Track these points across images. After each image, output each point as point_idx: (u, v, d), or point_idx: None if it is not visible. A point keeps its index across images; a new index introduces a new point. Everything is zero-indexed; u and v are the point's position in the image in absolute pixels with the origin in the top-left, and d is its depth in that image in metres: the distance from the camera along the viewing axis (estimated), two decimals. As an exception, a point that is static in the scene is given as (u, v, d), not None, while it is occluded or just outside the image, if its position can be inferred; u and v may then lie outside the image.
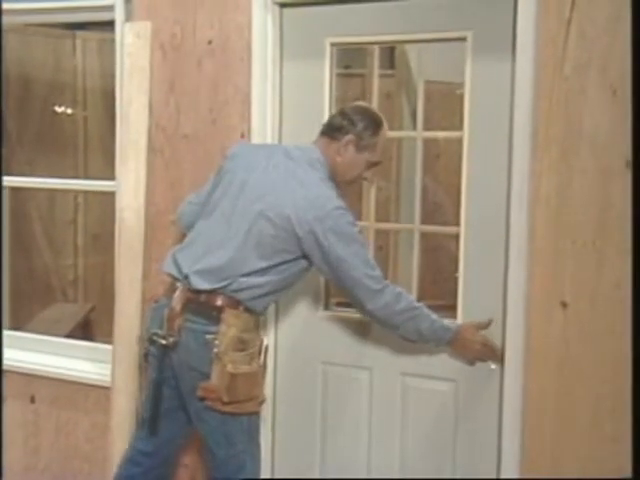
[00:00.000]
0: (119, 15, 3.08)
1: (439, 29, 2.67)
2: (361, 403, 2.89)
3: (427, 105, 2.83)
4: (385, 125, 2.66)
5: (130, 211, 2.99)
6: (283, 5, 2.86)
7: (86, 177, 4.66)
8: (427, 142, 2.85)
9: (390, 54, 3.75)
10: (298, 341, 2.97)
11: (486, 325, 2.66)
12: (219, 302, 2.50)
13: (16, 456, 3.37)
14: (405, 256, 3.33)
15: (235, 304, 2.50)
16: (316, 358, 2.95)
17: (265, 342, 2.61)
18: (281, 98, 2.91)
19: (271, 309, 2.93)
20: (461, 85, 2.69)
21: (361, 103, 2.75)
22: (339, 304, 3.01)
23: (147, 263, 3.01)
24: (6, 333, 3.40)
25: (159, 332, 2.57)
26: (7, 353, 3.30)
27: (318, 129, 2.81)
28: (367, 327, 2.86)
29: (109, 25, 3.14)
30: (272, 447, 3.02)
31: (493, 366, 2.65)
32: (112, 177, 3.14)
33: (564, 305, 2.45)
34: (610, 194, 2.38)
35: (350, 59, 3.72)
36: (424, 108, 2.81)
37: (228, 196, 2.58)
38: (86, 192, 4.79)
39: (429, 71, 3.13)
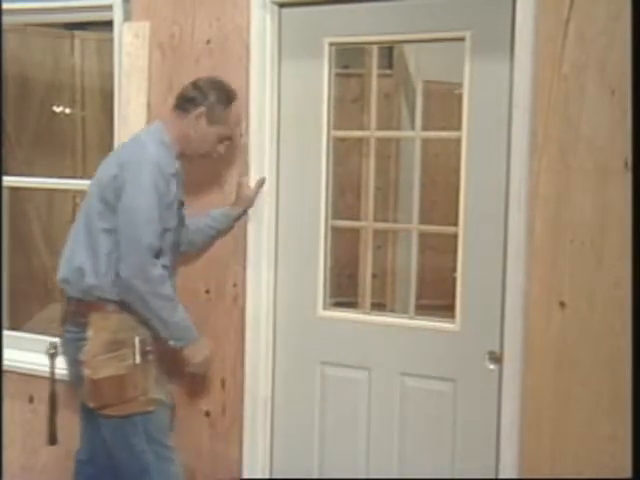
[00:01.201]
0: (118, 15, 3.07)
1: (437, 29, 2.67)
2: (360, 403, 2.89)
3: (426, 105, 2.83)
4: (237, 99, 2.69)
5: (129, 211, 2.99)
6: (282, 5, 2.86)
7: (85, 177, 4.65)
8: (425, 142, 2.84)
9: (389, 54, 3.75)
10: (297, 341, 2.97)
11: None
12: (84, 307, 2.52)
13: (14, 456, 3.36)
14: (403, 256, 3.33)
15: (100, 306, 2.51)
16: (315, 358, 2.95)
17: (137, 339, 2.54)
18: (279, 98, 2.91)
19: (269, 308, 2.93)
20: (460, 85, 2.69)
21: (215, 77, 2.75)
22: (338, 304, 3.01)
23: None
24: (5, 333, 3.39)
25: (52, 344, 2.63)
26: (6, 353, 3.29)
27: (316, 129, 2.83)
28: (366, 327, 2.86)
29: (108, 25, 3.14)
30: (270, 447, 3.02)
31: (491, 366, 2.66)
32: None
33: (562, 305, 2.45)
34: (608, 194, 2.38)
35: (348, 59, 3.72)
36: (423, 108, 2.81)
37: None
38: (85, 192, 4.79)
39: (428, 71, 3.14)
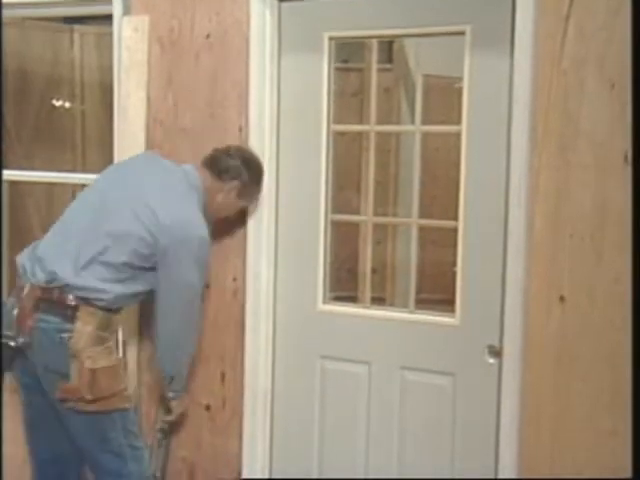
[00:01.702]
0: (117, 9, 3.06)
1: (438, 23, 2.67)
2: (360, 397, 2.89)
3: (425, 99, 2.83)
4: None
5: (128, 205, 2.99)
6: (281, -1, 2.86)
7: (84, 172, 4.65)
8: (425, 136, 2.84)
9: (388, 48, 3.75)
10: (297, 335, 2.97)
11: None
12: (73, 300, 2.47)
13: (13, 454, 3.35)
14: (403, 250, 3.33)
15: (89, 302, 2.49)
16: (315, 352, 2.95)
17: (120, 334, 2.62)
18: (279, 92, 2.90)
19: (269, 302, 2.94)
20: (460, 79, 2.68)
21: (245, 147, 2.81)
22: (338, 299, 3.01)
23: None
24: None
25: (8, 333, 2.51)
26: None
27: (316, 123, 2.82)
28: (366, 321, 2.86)
29: (107, 19, 3.13)
30: (270, 441, 3.02)
31: (491, 360, 2.66)
32: (110, 171, 3.13)
33: (562, 299, 2.45)
34: (608, 188, 2.38)
35: (348, 53, 3.72)
36: (422, 102, 2.81)
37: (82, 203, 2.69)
38: (84, 186, 4.79)
39: (427, 65, 3.13)
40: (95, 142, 4.68)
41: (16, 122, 4.52)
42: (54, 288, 2.48)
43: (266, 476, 3.02)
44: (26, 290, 2.51)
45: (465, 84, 2.66)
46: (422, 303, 2.85)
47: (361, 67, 3.84)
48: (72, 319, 2.47)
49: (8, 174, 3.52)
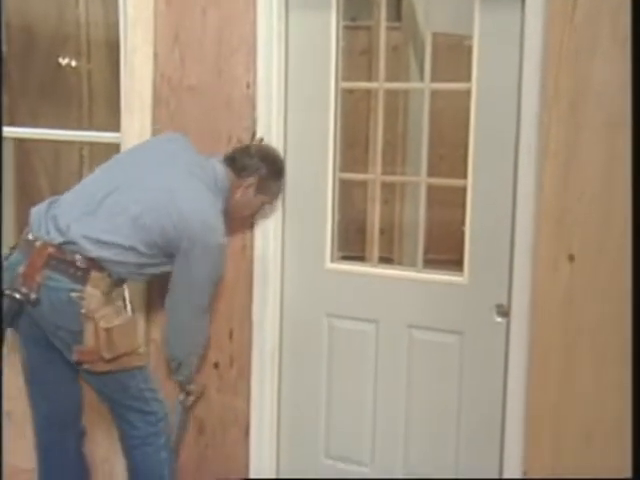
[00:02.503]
0: (122, -36, 3.03)
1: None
2: (367, 356, 2.91)
3: (434, 57, 2.80)
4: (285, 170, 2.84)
5: (136, 163, 2.97)
6: (289, -47, 2.81)
7: (91, 129, 4.63)
8: (434, 95, 2.81)
9: (397, 5, 3.70)
10: (304, 293, 2.98)
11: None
12: (85, 264, 2.49)
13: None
14: (411, 210, 3.32)
15: (100, 268, 2.50)
16: (322, 310, 2.96)
17: (126, 293, 2.67)
18: (287, 49, 2.87)
19: (277, 261, 2.94)
20: (469, 36, 2.65)
21: (265, 145, 2.81)
22: (346, 258, 3.01)
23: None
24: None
25: (15, 287, 2.49)
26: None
27: (324, 81, 2.79)
28: (374, 280, 2.86)
29: (112, -26, 3.10)
30: (278, 398, 3.05)
31: (499, 319, 2.67)
32: (117, 130, 3.12)
33: (571, 258, 2.44)
34: (618, 146, 2.36)
35: (356, 11, 3.68)
36: (431, 61, 2.78)
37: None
38: (91, 144, 4.77)
39: (437, 23, 3.09)
40: (101, 100, 4.65)
41: (22, 81, 4.50)
42: (68, 249, 2.49)
43: (274, 433, 3.05)
44: (38, 246, 2.50)
45: (475, 42, 2.62)
46: (429, 263, 2.85)
47: (369, 25, 3.80)
48: (82, 280, 2.48)
49: (14, 131, 3.52)
